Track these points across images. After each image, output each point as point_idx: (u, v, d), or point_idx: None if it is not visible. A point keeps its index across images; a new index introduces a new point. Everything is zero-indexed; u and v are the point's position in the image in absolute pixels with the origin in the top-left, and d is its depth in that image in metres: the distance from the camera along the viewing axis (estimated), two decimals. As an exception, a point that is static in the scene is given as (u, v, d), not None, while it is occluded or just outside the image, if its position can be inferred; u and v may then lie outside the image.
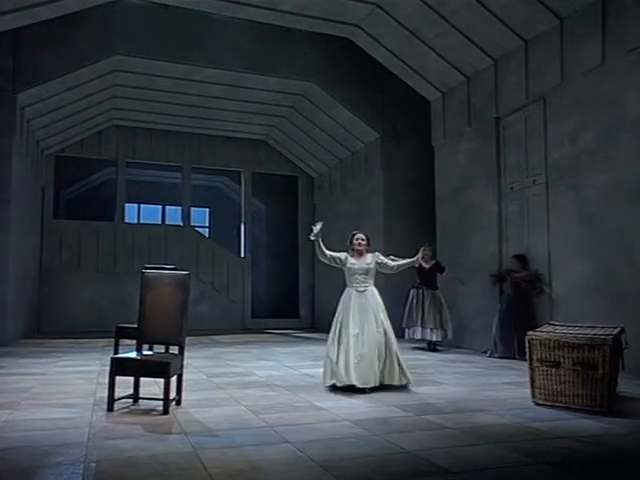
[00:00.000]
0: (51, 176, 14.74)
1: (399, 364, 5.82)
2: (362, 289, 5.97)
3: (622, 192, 7.34)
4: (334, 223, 15.14)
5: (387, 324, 5.92)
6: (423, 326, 9.61)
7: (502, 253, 9.59)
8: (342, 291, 6.21)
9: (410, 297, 9.96)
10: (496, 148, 9.81)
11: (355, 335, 5.71)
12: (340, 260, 6.08)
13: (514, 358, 8.36)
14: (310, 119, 13.77)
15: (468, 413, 4.72)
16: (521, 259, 8.92)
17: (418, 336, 9.66)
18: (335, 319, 5.98)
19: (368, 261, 6.05)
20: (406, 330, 9.77)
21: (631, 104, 7.26)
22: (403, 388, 5.81)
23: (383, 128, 12.62)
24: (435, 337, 9.61)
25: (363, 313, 5.82)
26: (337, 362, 5.67)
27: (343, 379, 5.58)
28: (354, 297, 5.93)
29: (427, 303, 9.70)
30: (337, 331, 5.85)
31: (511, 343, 8.52)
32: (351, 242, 6.16)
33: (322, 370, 6.01)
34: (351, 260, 6.06)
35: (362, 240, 6.12)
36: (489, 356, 8.83)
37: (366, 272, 6.00)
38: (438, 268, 9.90)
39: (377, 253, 6.22)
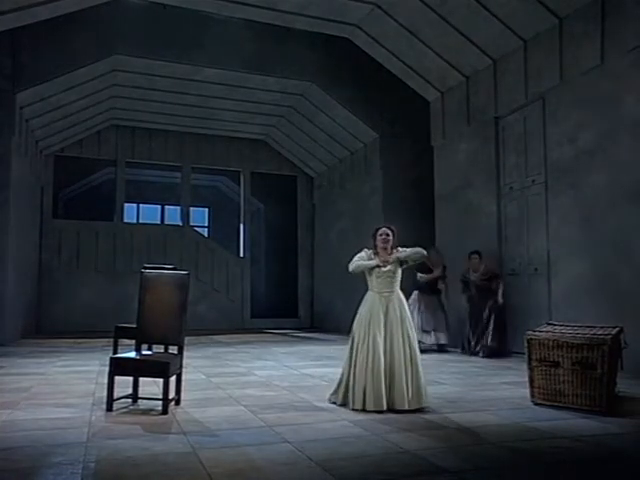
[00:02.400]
0: (50, 176, 14.74)
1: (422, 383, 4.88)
2: (388, 293, 5.00)
3: (621, 192, 7.35)
4: (333, 223, 15.18)
5: (413, 335, 4.99)
6: (437, 330, 9.66)
7: (501, 253, 9.60)
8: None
9: (419, 301, 9.82)
10: (495, 148, 9.82)
11: (382, 352, 4.80)
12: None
13: (477, 354, 8.87)
14: (309, 119, 13.77)
15: (467, 413, 4.72)
16: (479, 255, 9.13)
17: (432, 341, 9.61)
18: (357, 330, 4.98)
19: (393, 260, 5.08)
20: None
21: (630, 104, 7.26)
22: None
23: (382, 128, 12.62)
24: (445, 340, 9.71)
25: (392, 324, 4.89)
26: (359, 384, 4.77)
27: (358, 404, 4.73)
28: (379, 304, 4.94)
29: (439, 308, 9.84)
30: (360, 346, 4.88)
31: (476, 342, 9.00)
32: (374, 239, 5.14)
33: (336, 388, 5.09)
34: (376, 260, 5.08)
35: (387, 235, 5.07)
36: (463, 353, 9.20)
37: (394, 273, 5.02)
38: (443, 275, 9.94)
39: (399, 248, 5.13)
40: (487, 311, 8.91)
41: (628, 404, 5.07)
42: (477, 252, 9.17)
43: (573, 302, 7.99)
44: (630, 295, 7.11)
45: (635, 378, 6.15)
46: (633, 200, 7.15)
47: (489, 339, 8.78)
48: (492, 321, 8.84)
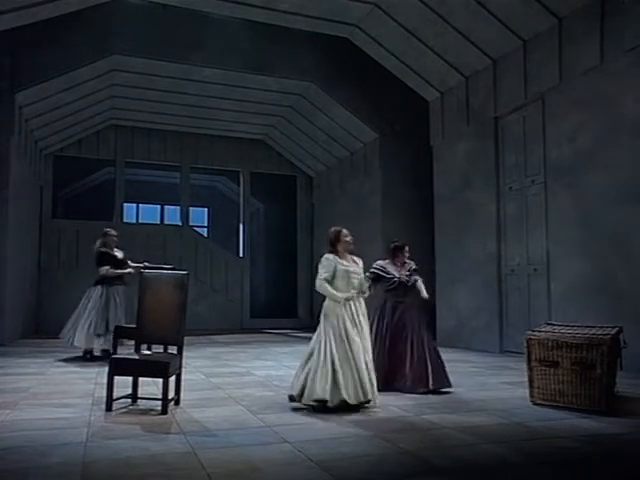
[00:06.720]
0: (50, 176, 14.72)
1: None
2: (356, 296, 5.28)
3: (620, 192, 7.35)
4: (333, 223, 15.13)
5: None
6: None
7: (500, 253, 9.60)
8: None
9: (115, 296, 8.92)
10: (495, 148, 9.82)
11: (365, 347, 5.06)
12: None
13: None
14: (309, 119, 13.76)
15: (466, 413, 4.72)
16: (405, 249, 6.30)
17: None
18: (334, 328, 5.18)
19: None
20: None
21: (629, 104, 7.27)
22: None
23: (382, 128, 12.61)
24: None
25: (363, 321, 5.21)
26: (351, 378, 4.81)
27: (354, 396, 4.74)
28: (350, 303, 5.21)
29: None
30: (349, 342, 5.01)
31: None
32: (338, 241, 5.26)
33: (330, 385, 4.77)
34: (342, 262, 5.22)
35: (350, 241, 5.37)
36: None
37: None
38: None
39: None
40: (417, 326, 5.92)
41: (628, 404, 5.07)
42: (403, 245, 6.39)
43: (573, 302, 7.99)
44: (630, 295, 7.11)
45: (635, 378, 6.15)
46: (632, 200, 7.16)
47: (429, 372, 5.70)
48: (427, 346, 5.82)
